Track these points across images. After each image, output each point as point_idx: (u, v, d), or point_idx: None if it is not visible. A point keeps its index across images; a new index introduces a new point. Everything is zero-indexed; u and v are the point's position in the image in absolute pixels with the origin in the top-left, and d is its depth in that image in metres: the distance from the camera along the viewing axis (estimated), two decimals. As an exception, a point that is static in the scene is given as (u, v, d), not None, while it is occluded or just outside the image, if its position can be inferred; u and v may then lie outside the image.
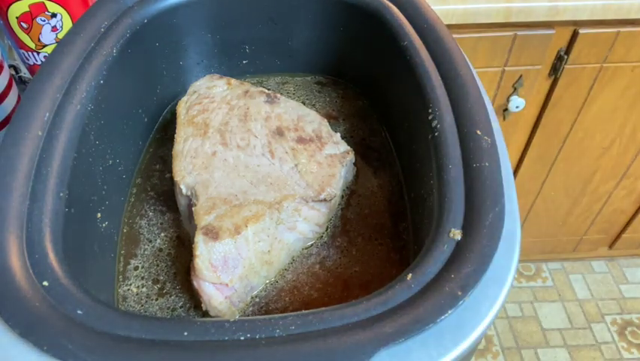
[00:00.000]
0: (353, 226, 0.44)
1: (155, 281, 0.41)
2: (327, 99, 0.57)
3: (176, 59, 0.54)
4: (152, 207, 0.47)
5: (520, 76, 0.91)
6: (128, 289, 0.41)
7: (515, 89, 0.93)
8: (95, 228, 0.40)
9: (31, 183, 0.33)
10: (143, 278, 0.42)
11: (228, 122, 0.47)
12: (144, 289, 0.41)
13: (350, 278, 0.41)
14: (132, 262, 0.43)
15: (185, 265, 0.42)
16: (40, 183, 0.33)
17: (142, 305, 0.40)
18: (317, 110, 0.55)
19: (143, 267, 0.42)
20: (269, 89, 0.57)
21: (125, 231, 0.44)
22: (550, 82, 0.95)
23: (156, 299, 0.40)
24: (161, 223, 0.45)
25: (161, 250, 0.44)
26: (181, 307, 0.40)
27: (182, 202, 0.43)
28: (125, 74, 0.45)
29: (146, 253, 0.43)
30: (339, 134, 0.47)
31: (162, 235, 0.45)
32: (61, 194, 0.34)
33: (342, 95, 0.57)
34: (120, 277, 0.41)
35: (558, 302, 1.37)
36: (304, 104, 0.55)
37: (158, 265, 0.42)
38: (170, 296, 0.40)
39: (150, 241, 0.44)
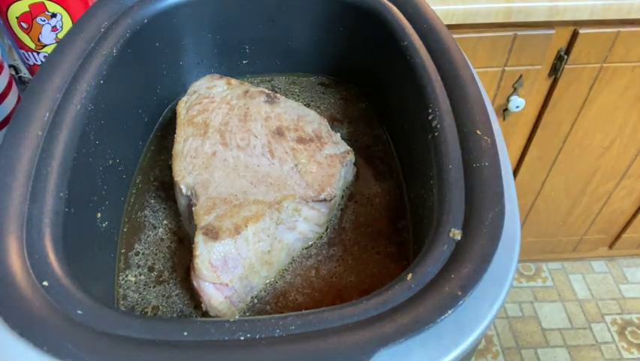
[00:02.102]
0: (348, 235, 0.44)
1: (152, 269, 0.42)
2: (332, 101, 0.57)
3: (176, 59, 0.54)
4: (154, 195, 0.47)
5: (520, 76, 0.91)
6: (126, 280, 0.41)
7: (515, 89, 0.93)
8: (95, 228, 0.40)
9: (31, 183, 0.33)
10: (139, 267, 0.42)
11: (228, 122, 0.47)
12: (142, 277, 0.41)
13: (345, 288, 0.41)
14: (136, 246, 0.44)
15: (184, 264, 0.42)
16: (40, 183, 0.33)
17: (140, 293, 0.41)
18: (322, 113, 0.55)
19: (143, 253, 0.43)
20: (276, 90, 0.58)
21: (125, 230, 0.44)
22: (550, 82, 0.95)
23: (154, 286, 0.41)
24: (164, 208, 0.46)
25: (162, 239, 0.44)
26: (177, 295, 0.41)
27: (182, 202, 0.43)
28: (125, 74, 0.45)
29: (148, 239, 0.44)
30: (338, 134, 0.47)
31: (165, 222, 0.45)
32: (61, 194, 0.34)
33: (345, 96, 0.57)
34: (120, 274, 0.41)
35: (558, 302, 1.37)
36: (309, 106, 0.55)
37: (156, 255, 0.43)
38: (168, 284, 0.41)
39: (155, 227, 0.45)
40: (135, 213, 0.46)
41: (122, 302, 0.40)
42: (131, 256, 0.43)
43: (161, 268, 0.42)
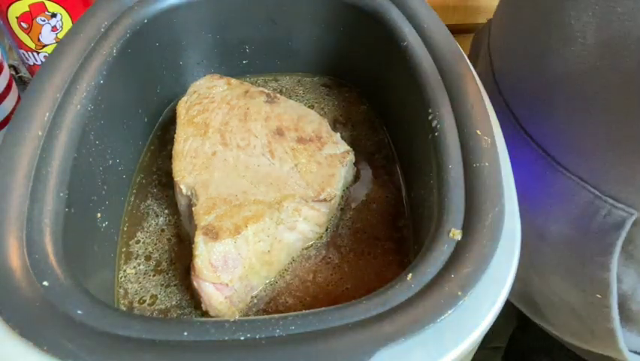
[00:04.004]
0: (345, 241, 0.44)
1: (152, 258, 0.43)
2: (335, 102, 0.57)
3: (176, 59, 0.54)
4: (156, 183, 0.48)
5: (520, 76, 0.91)
6: (126, 275, 0.42)
7: (515, 89, 0.93)
8: (95, 228, 0.40)
9: (31, 183, 0.33)
10: (138, 256, 0.43)
11: (228, 122, 0.47)
12: (141, 267, 0.42)
13: (342, 294, 0.41)
14: (138, 235, 0.44)
15: (183, 261, 0.42)
16: (40, 183, 0.33)
17: (139, 283, 0.41)
18: (325, 115, 0.55)
19: (144, 242, 0.44)
20: (282, 90, 0.58)
21: (124, 229, 0.45)
22: (550, 82, 0.95)
23: (153, 275, 0.42)
24: (167, 197, 0.47)
25: (163, 230, 0.45)
26: (175, 285, 0.41)
27: (182, 202, 0.43)
28: (125, 74, 0.45)
29: (150, 228, 0.45)
30: (338, 134, 0.47)
31: (166, 211, 0.46)
32: (61, 194, 0.34)
33: (347, 98, 0.57)
34: (120, 272, 0.42)
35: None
36: (312, 107, 0.55)
37: (156, 244, 0.44)
38: (167, 274, 0.42)
39: (157, 216, 0.46)
40: (137, 207, 0.46)
41: (122, 302, 0.40)
42: (131, 244, 0.44)
43: (160, 259, 0.43)
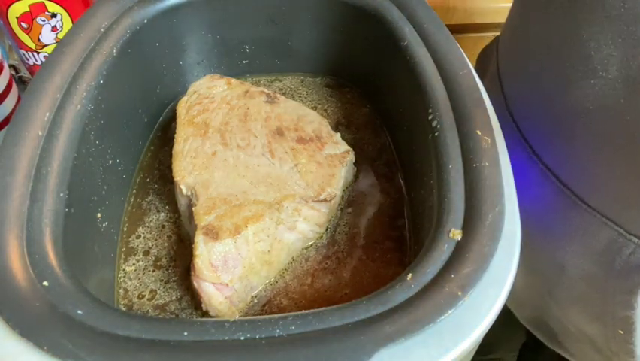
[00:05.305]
0: (344, 241, 0.44)
1: (152, 254, 0.43)
2: (338, 104, 0.57)
3: (176, 59, 0.54)
4: (157, 178, 0.48)
5: (520, 76, 0.91)
6: (126, 273, 0.42)
7: (515, 89, 0.93)
8: (95, 228, 0.40)
9: (31, 183, 0.33)
10: (138, 252, 0.43)
11: (228, 122, 0.47)
12: (141, 263, 0.42)
13: (341, 298, 0.41)
14: (139, 230, 0.45)
15: (183, 261, 0.42)
16: (40, 183, 0.33)
17: (139, 279, 0.41)
18: (328, 117, 0.55)
19: (145, 237, 0.44)
20: (285, 90, 0.58)
21: (125, 229, 0.45)
22: (551, 82, 0.94)
23: (152, 271, 0.42)
24: (168, 190, 0.47)
25: (163, 226, 0.45)
26: (174, 281, 0.41)
27: (182, 202, 0.43)
28: (125, 74, 0.45)
29: (151, 224, 0.45)
30: (338, 134, 0.47)
31: (167, 207, 0.46)
32: (61, 194, 0.34)
33: (350, 100, 0.57)
34: (120, 272, 0.42)
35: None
36: (315, 108, 0.55)
37: (157, 240, 0.44)
38: (166, 270, 0.42)
39: (158, 211, 0.46)
40: (138, 204, 0.46)
41: (122, 302, 0.40)
42: (132, 240, 0.44)
43: (159, 255, 0.43)
